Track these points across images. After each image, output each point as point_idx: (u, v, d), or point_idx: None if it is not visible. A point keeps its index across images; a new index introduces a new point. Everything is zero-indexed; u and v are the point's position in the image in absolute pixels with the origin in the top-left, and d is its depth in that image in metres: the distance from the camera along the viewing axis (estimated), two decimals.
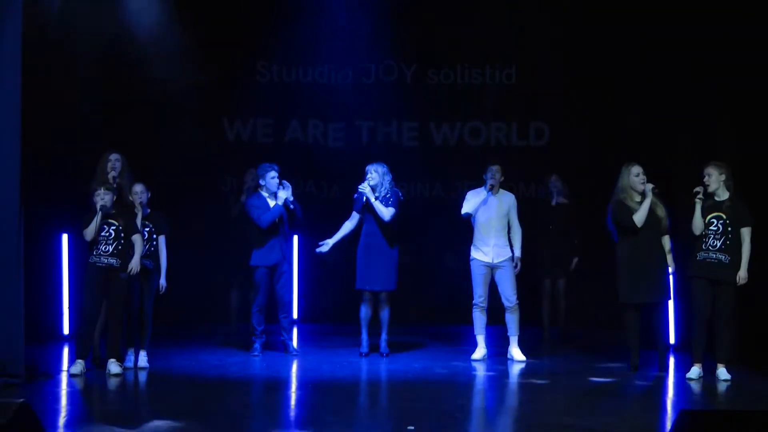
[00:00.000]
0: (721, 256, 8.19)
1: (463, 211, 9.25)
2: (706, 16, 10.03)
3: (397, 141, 12.10)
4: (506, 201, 9.27)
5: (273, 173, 9.32)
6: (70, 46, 10.30)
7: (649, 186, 8.50)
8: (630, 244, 8.59)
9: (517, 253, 9.22)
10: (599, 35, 11.20)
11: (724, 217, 8.19)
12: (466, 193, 9.38)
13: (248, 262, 9.50)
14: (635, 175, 8.58)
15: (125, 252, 8.24)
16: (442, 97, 12.06)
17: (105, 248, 8.18)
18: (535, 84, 11.81)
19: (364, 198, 9.23)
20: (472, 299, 9.23)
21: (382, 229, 9.25)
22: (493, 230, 9.17)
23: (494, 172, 9.21)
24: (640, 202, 8.54)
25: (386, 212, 9.18)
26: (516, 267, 9.22)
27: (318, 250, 9.37)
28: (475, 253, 9.24)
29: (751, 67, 9.66)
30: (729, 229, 8.18)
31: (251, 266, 9.40)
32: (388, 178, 9.30)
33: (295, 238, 11.39)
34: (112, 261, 8.20)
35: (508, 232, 9.26)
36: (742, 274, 8.15)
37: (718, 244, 8.20)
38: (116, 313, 8.26)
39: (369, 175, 9.25)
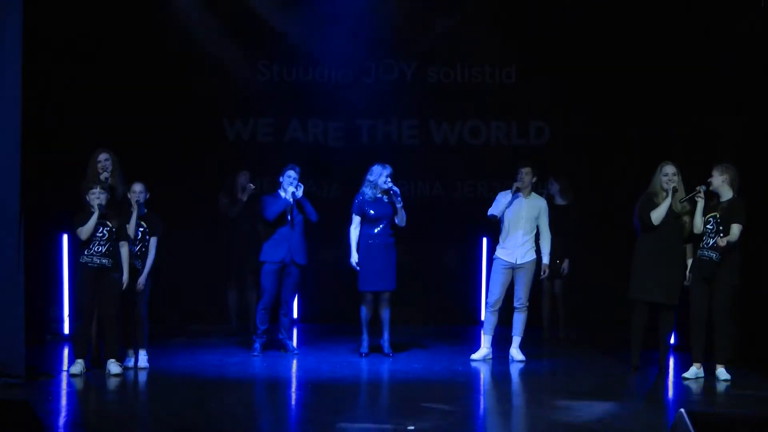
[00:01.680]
0: (712, 254, 8.23)
1: (490, 212, 9.25)
2: (706, 16, 10.02)
3: (397, 140, 12.09)
4: (536, 205, 9.25)
5: (291, 171, 9.38)
6: (70, 46, 10.30)
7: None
8: (649, 242, 8.61)
9: (545, 260, 9.22)
10: (599, 34, 11.19)
11: (718, 216, 8.22)
12: (498, 194, 9.37)
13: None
14: (663, 174, 8.58)
15: (117, 252, 8.25)
16: (442, 95, 12.05)
17: (98, 248, 8.18)
18: (535, 83, 11.80)
19: (397, 200, 9.19)
20: (486, 298, 9.24)
21: (384, 231, 9.24)
22: (520, 231, 9.17)
23: (522, 175, 9.19)
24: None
25: (405, 218, 9.24)
26: (544, 273, 9.26)
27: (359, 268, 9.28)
28: (499, 252, 9.25)
29: (751, 66, 9.65)
30: (721, 228, 8.21)
31: (259, 262, 9.44)
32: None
33: None
34: (105, 261, 8.20)
35: (537, 238, 9.27)
36: (722, 243, 8.13)
37: (711, 242, 8.25)
38: (111, 313, 8.25)
39: (385, 178, 9.20)
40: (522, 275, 9.18)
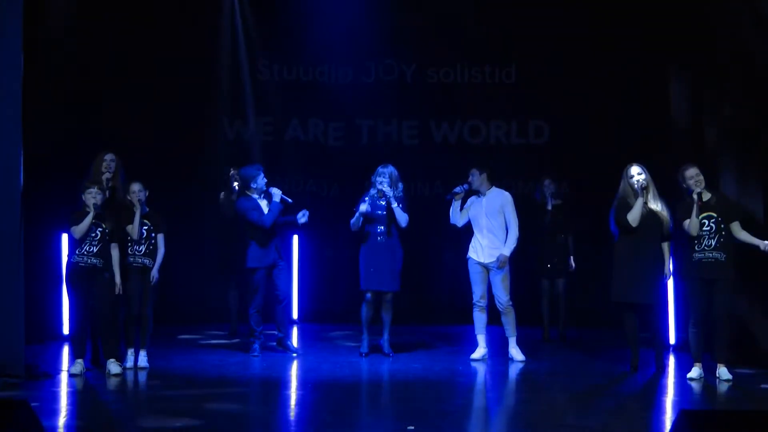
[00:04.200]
0: (717, 255, 8.18)
1: (451, 221, 9.28)
2: (705, 16, 10.02)
3: (397, 140, 12.11)
4: (497, 200, 9.16)
5: (261, 174, 9.33)
6: (69, 45, 10.30)
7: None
8: (627, 243, 8.60)
9: (505, 251, 9.03)
10: (600, 33, 11.20)
11: (715, 215, 8.19)
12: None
13: (245, 263, 9.50)
14: (630, 176, 8.58)
15: (108, 253, 8.26)
16: (442, 95, 12.06)
17: (89, 248, 8.18)
18: (534, 82, 11.81)
19: (387, 200, 9.18)
20: (472, 299, 9.22)
21: (389, 231, 9.23)
22: (484, 230, 9.14)
23: (470, 175, 9.15)
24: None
25: (404, 218, 9.19)
26: (497, 260, 9.00)
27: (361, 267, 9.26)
28: (470, 253, 9.24)
29: (751, 65, 9.64)
30: (722, 226, 8.18)
31: (249, 268, 9.35)
32: (401, 185, 9.28)
33: (295, 237, 11.39)
34: (95, 261, 8.20)
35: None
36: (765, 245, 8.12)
37: (713, 243, 8.20)
38: (104, 313, 8.25)
39: (381, 179, 9.19)
40: (494, 276, 9.12)
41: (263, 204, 9.28)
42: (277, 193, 9.26)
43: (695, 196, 8.17)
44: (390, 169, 9.26)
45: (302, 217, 9.32)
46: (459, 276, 11.22)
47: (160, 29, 11.20)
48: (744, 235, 8.21)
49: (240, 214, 9.39)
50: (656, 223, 8.54)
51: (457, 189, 9.16)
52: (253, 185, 9.32)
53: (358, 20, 11.43)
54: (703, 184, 8.23)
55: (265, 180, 9.31)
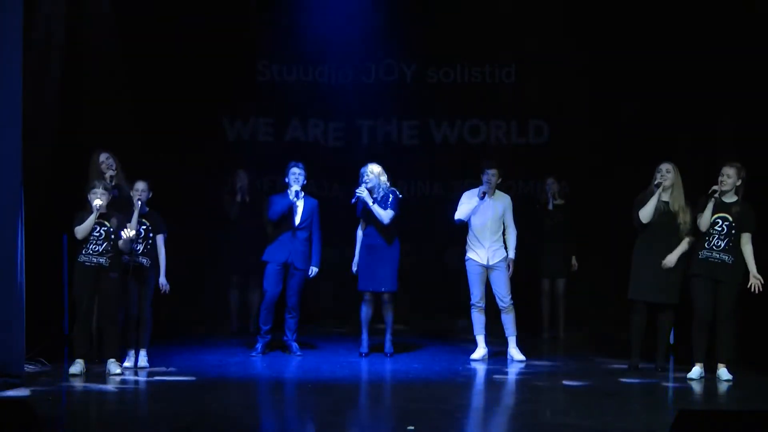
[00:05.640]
0: (725, 257, 8.17)
1: (456, 217, 9.24)
2: (706, 17, 10.02)
3: (397, 140, 12.10)
4: (501, 203, 9.22)
5: (295, 169, 9.34)
6: (70, 45, 10.28)
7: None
8: (645, 241, 8.59)
9: (511, 254, 9.18)
10: (599, 32, 11.20)
11: (731, 219, 8.16)
12: (461, 195, 9.34)
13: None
14: (657, 171, 8.53)
15: (115, 252, 8.25)
16: (442, 95, 12.06)
17: (95, 248, 8.18)
18: (534, 82, 11.81)
19: (362, 202, 9.20)
20: (470, 300, 9.23)
21: (382, 230, 9.24)
22: (488, 233, 9.15)
23: (490, 176, 9.16)
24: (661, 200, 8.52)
25: (385, 215, 9.16)
26: (508, 268, 9.19)
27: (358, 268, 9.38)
28: (470, 254, 9.24)
29: (751, 66, 9.64)
30: (733, 231, 8.16)
31: (262, 261, 9.41)
32: (383, 178, 9.27)
33: None
34: (102, 260, 8.20)
35: (504, 233, 9.25)
36: (756, 280, 8.12)
37: (722, 245, 8.17)
38: (109, 312, 8.25)
39: (365, 177, 9.23)
40: (497, 276, 9.16)
41: (300, 204, 9.31)
42: (293, 190, 9.29)
43: (711, 191, 8.14)
44: (371, 167, 9.25)
45: (311, 273, 9.43)
46: (459, 276, 11.24)
47: (161, 29, 11.19)
48: (747, 250, 8.18)
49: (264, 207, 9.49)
50: (674, 223, 8.50)
51: (485, 188, 9.13)
52: (286, 179, 9.37)
53: (358, 20, 11.42)
54: (726, 186, 8.16)
55: (297, 178, 9.27)
